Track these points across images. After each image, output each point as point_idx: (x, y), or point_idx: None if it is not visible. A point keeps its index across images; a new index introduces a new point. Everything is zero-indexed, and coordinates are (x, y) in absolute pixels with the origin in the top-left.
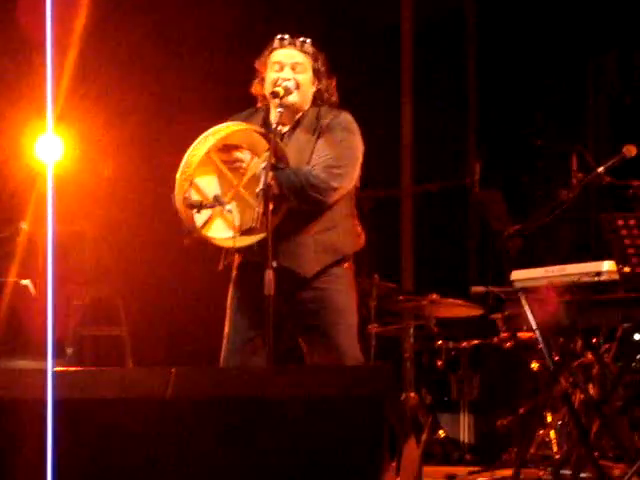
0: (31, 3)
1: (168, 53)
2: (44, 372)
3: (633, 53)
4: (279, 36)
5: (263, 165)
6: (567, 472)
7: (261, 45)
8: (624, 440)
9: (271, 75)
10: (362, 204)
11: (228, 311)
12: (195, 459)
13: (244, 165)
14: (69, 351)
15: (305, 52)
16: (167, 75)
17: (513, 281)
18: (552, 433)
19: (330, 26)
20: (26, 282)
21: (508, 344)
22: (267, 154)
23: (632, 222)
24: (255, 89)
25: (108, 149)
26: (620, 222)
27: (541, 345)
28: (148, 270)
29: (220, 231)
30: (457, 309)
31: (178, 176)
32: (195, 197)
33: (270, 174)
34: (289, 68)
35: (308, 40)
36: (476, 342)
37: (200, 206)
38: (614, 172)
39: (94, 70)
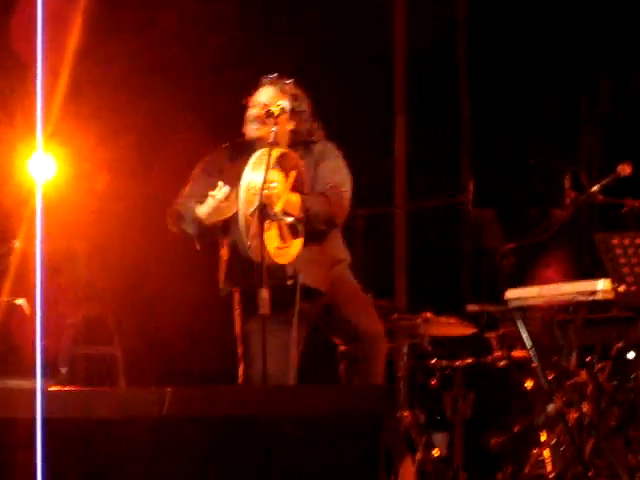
0: (24, 23)
1: (160, 73)
2: (35, 392)
3: (627, 73)
4: (267, 75)
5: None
6: None
7: (251, 68)
8: (619, 459)
9: (250, 112)
10: (356, 222)
11: (247, 335)
12: (190, 478)
13: (277, 185)
14: (63, 370)
15: (284, 92)
16: (159, 95)
17: (507, 300)
18: (546, 452)
19: (323, 44)
20: (20, 301)
21: (502, 363)
22: (292, 176)
23: (627, 241)
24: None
25: (101, 167)
26: (615, 241)
27: (535, 364)
28: (141, 288)
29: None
30: (451, 327)
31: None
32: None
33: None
34: (261, 106)
35: (289, 81)
36: (470, 361)
37: (274, 217)
38: (608, 191)
39: (86, 89)
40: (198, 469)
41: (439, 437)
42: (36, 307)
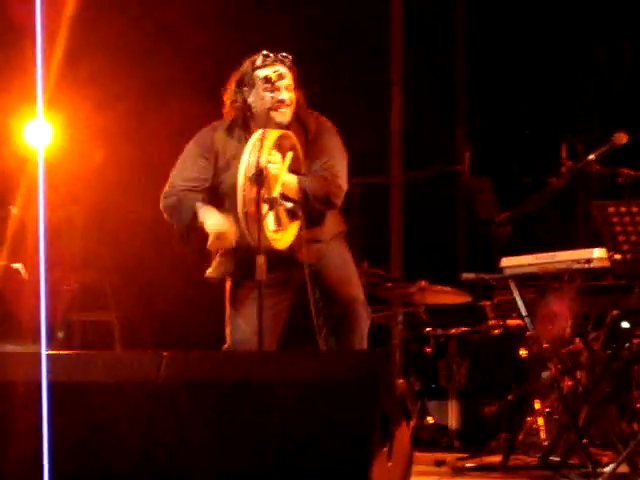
0: None
1: (157, 38)
2: (37, 355)
3: (622, 42)
4: (263, 52)
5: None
6: (555, 459)
7: (250, 30)
8: (612, 427)
9: (265, 94)
10: (351, 191)
11: (235, 304)
12: (186, 442)
13: (275, 167)
14: (60, 335)
15: (289, 68)
16: (157, 60)
17: (503, 268)
18: (540, 420)
19: (319, 11)
20: (18, 266)
21: (496, 331)
22: (289, 157)
23: (623, 209)
24: (233, 100)
25: (98, 134)
26: (611, 209)
27: (530, 332)
28: (137, 255)
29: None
30: (446, 296)
31: (245, 177)
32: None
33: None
34: (283, 89)
35: (289, 56)
36: (465, 329)
37: (274, 202)
38: (604, 160)
39: (83, 55)
40: (193, 433)
41: (433, 405)
42: (34, 273)
